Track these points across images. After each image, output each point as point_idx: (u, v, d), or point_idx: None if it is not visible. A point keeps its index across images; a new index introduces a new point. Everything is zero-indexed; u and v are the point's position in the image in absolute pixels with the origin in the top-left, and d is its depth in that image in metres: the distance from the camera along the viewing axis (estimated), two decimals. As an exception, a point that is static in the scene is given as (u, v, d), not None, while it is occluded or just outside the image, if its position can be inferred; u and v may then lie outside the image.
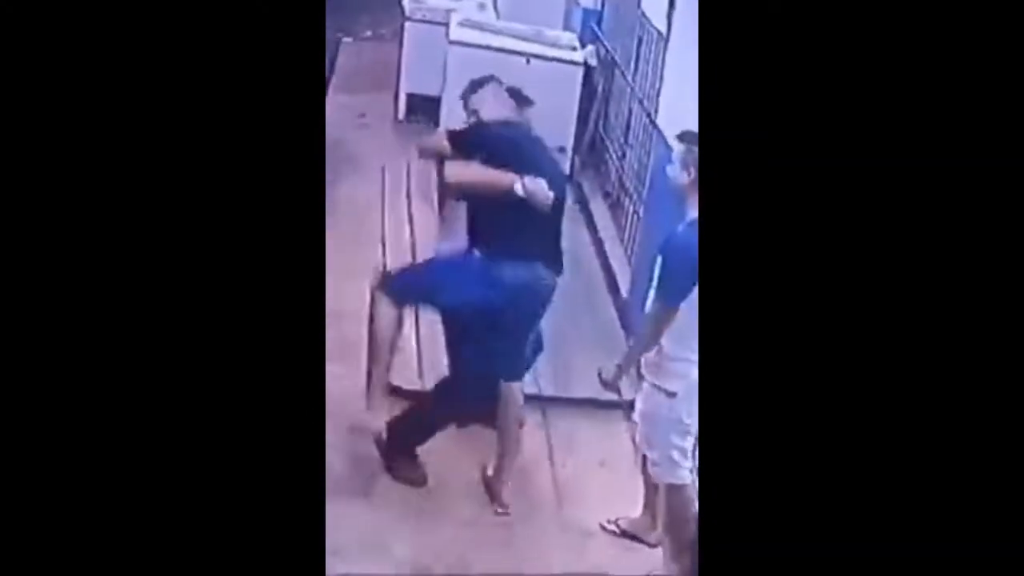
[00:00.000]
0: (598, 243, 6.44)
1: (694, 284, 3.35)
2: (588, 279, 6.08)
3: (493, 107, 4.34)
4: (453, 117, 4.97)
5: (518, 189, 3.99)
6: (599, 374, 3.98)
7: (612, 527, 4.25)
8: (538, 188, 4.02)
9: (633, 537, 4.19)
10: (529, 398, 4.93)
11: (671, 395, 3.66)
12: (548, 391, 5.04)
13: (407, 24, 7.84)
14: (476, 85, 4.47)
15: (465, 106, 4.43)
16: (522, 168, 4.05)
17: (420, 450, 4.43)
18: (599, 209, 6.81)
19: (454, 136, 4.27)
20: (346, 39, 9.60)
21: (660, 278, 3.65)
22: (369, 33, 9.81)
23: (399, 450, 4.42)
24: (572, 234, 6.59)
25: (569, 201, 7.00)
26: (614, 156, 7.01)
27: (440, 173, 4.26)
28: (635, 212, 6.09)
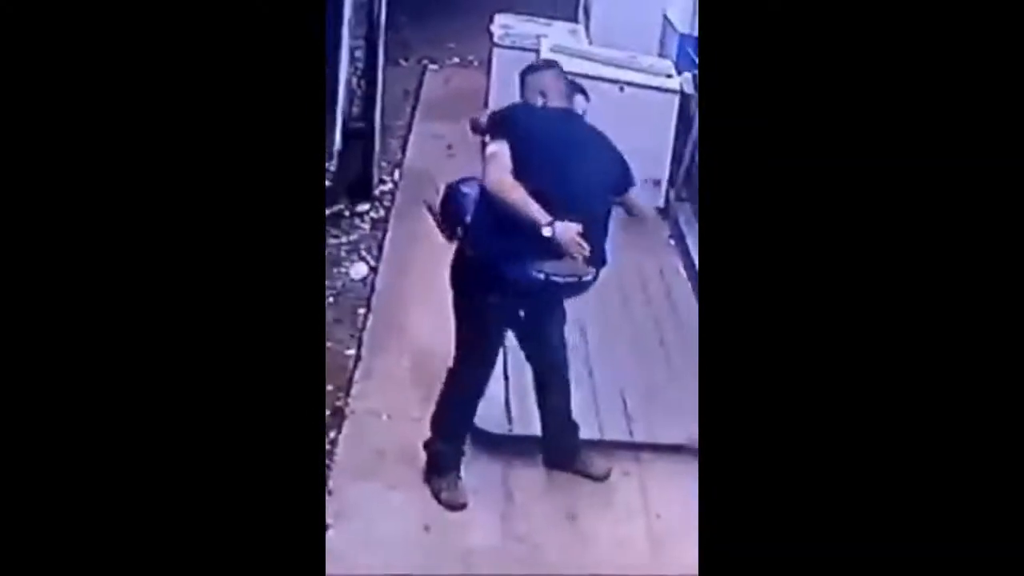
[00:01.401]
0: (695, 280, 6.34)
1: None
2: (684, 317, 5.99)
3: (552, 94, 4.32)
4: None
5: (546, 232, 3.95)
6: None
7: None
8: (568, 234, 3.97)
9: None
10: (621, 445, 4.90)
11: None
12: (640, 436, 4.94)
13: (495, 50, 7.86)
14: (536, 69, 4.48)
15: (521, 86, 4.41)
16: (549, 161, 4.06)
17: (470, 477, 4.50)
18: (695, 243, 6.70)
19: (495, 114, 4.30)
20: (432, 66, 9.67)
21: None
22: (456, 60, 9.84)
23: (439, 471, 4.48)
24: (667, 269, 6.56)
25: (664, 235, 7.06)
26: (712, 188, 6.91)
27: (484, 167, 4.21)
28: (734, 247, 5.98)
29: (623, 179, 4.37)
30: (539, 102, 4.30)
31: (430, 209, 4.69)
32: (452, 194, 4.44)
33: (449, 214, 4.47)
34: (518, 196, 4.00)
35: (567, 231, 3.97)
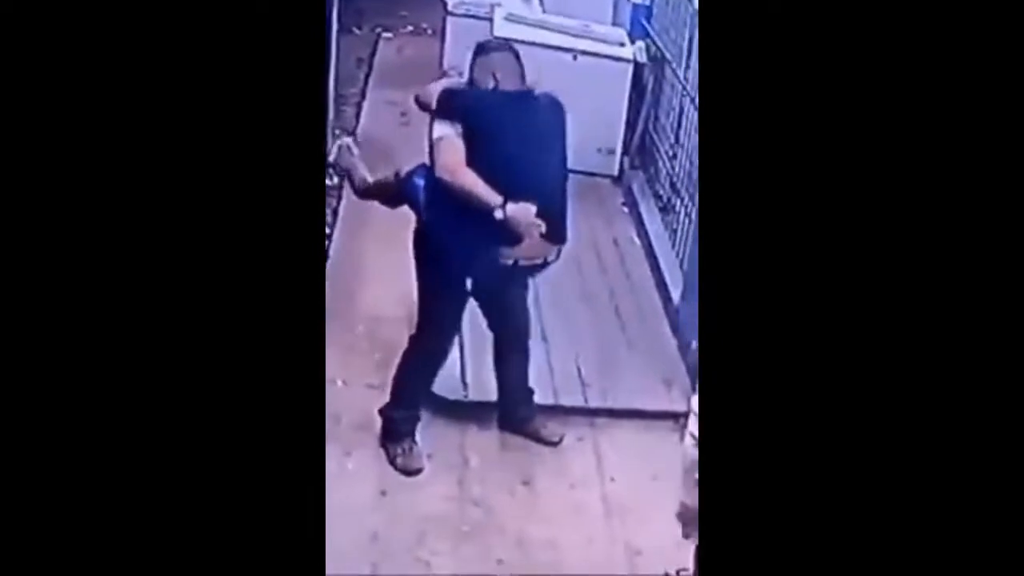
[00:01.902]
0: (648, 247, 6.38)
1: None
2: (638, 284, 6.04)
3: (505, 76, 4.21)
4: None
5: (498, 215, 3.95)
6: None
7: None
8: (521, 215, 3.98)
9: None
10: (575, 410, 4.95)
11: None
12: (595, 402, 4.98)
13: (449, 19, 7.82)
14: (489, 49, 4.34)
15: (472, 66, 4.29)
16: (503, 146, 4.03)
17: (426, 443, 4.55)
18: (649, 212, 6.75)
19: (445, 96, 4.19)
20: (386, 34, 9.61)
21: None
22: (410, 28, 9.79)
23: (395, 436, 4.50)
24: (621, 238, 6.59)
25: (618, 203, 7.10)
26: (665, 156, 6.95)
27: (430, 147, 4.17)
28: (687, 215, 6.02)
29: (563, 114, 4.32)
30: (490, 84, 4.19)
31: (345, 171, 4.66)
32: (405, 185, 4.34)
33: (397, 200, 4.44)
34: (469, 180, 3.99)
35: (521, 212, 3.97)
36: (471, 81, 4.26)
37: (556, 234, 4.17)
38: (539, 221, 4.01)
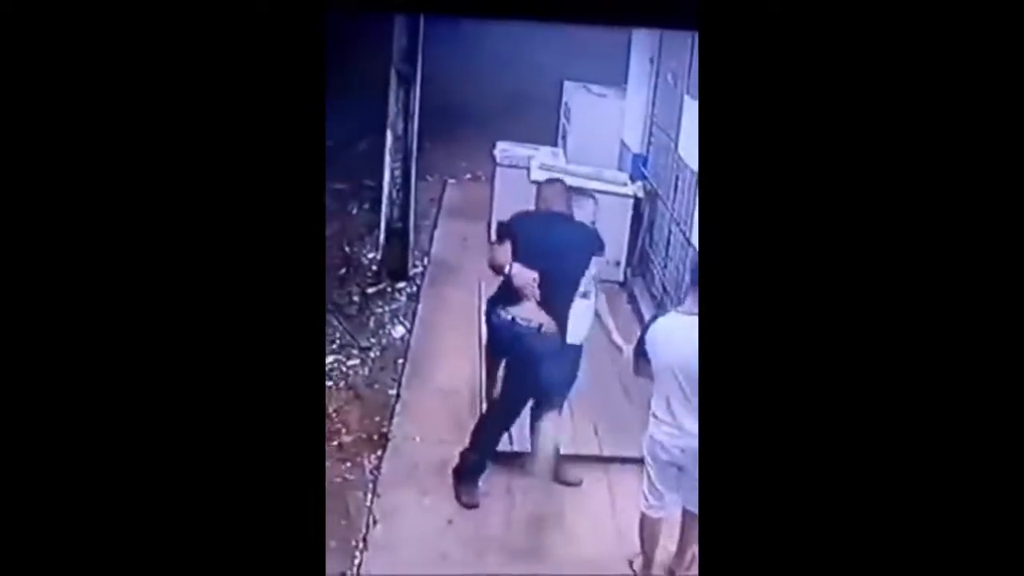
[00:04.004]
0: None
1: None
2: (639, 363, 6.06)
3: (553, 201, 4.55)
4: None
5: (506, 269, 4.34)
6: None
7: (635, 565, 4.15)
8: (522, 275, 4.28)
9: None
10: (592, 458, 4.98)
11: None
12: (608, 452, 5.02)
13: (497, 168, 8.03)
14: (543, 185, 4.74)
15: (538, 196, 4.67)
16: (530, 249, 4.34)
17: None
18: (647, 308, 6.84)
19: (499, 225, 4.79)
20: (451, 180, 9.87)
21: None
22: (469, 176, 10.06)
23: (463, 479, 4.56)
24: (626, 328, 6.64)
25: (624, 301, 7.17)
26: (658, 266, 7.07)
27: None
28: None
29: (595, 246, 4.48)
30: (542, 207, 4.56)
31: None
32: (490, 317, 4.58)
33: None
34: (503, 258, 4.35)
35: (522, 273, 4.27)
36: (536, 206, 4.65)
37: (552, 310, 4.32)
38: (536, 287, 4.25)
